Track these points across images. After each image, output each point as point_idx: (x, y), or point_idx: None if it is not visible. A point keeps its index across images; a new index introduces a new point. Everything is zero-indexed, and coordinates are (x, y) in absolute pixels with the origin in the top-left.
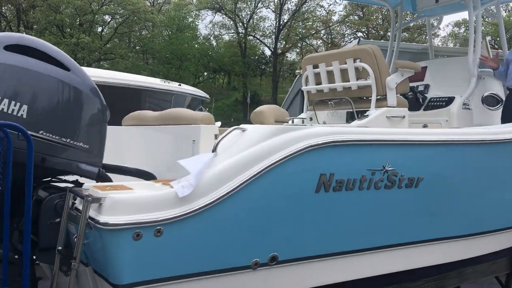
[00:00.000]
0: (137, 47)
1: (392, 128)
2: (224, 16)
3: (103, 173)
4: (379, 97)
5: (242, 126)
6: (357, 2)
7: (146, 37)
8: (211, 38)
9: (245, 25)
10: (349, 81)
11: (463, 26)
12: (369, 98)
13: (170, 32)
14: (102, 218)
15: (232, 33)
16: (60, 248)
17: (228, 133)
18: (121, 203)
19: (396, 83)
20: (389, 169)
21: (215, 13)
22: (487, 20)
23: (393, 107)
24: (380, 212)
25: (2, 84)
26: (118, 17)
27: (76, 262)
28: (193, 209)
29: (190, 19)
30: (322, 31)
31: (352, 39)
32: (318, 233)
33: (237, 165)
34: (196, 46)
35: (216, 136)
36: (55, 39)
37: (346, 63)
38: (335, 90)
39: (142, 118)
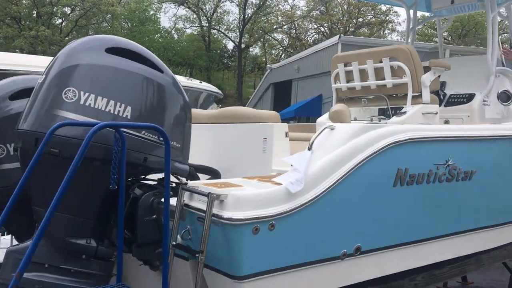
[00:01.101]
0: None
1: (452, 125)
2: (188, 9)
3: (193, 171)
4: (414, 94)
5: (331, 124)
6: (371, 2)
7: (106, 30)
8: (173, 31)
9: (209, 18)
10: (382, 79)
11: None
12: (403, 95)
13: (130, 25)
14: (226, 214)
15: (196, 26)
16: (174, 243)
17: (321, 132)
18: (242, 200)
19: (430, 81)
20: (450, 163)
21: (178, 6)
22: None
23: (427, 103)
24: (442, 203)
25: (107, 86)
26: (78, 9)
27: (203, 255)
28: (299, 205)
29: (152, 12)
30: (286, 26)
31: (314, 33)
32: (394, 224)
33: (333, 163)
34: (160, 39)
35: (286, 134)
36: (13, 31)
37: (381, 62)
38: (367, 87)
39: (195, 117)
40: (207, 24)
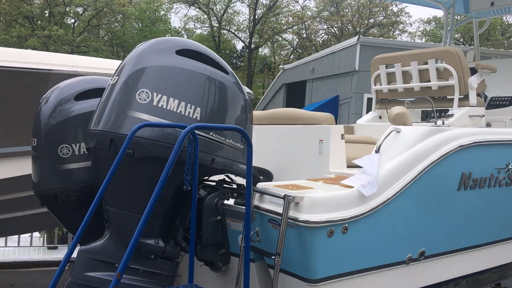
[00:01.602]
0: (105, 39)
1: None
2: (198, 10)
3: (255, 173)
4: (460, 96)
5: (397, 127)
6: (408, 3)
7: (117, 29)
8: (182, 31)
9: (219, 19)
10: (426, 81)
11: (434, 22)
12: (448, 98)
13: (140, 25)
14: (302, 216)
15: (207, 27)
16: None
17: (388, 134)
18: (318, 202)
19: (477, 83)
20: (510, 167)
21: (189, 6)
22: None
23: (474, 106)
24: (499, 208)
25: (178, 88)
26: (90, 9)
27: (279, 258)
28: (371, 208)
29: (162, 12)
30: (296, 27)
31: (323, 34)
32: (456, 228)
33: (403, 166)
34: None
35: (342, 136)
36: (26, 31)
37: (425, 64)
38: (410, 89)
39: None
40: (217, 25)
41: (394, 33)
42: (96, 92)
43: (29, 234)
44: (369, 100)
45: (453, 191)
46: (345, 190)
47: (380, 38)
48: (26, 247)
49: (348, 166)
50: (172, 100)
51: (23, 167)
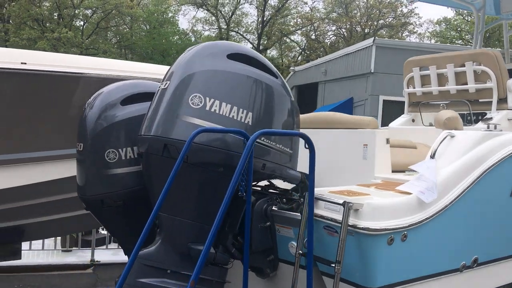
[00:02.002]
0: (113, 41)
1: None
2: (207, 11)
3: (304, 178)
4: (498, 99)
5: (450, 132)
6: (439, 5)
7: (125, 32)
8: (190, 33)
9: (227, 20)
10: (462, 84)
11: (444, 23)
12: (485, 101)
13: (148, 27)
14: (362, 224)
15: (215, 28)
16: (301, 252)
17: (443, 140)
18: (379, 209)
19: None
20: None
21: (197, 8)
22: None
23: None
24: None
25: (230, 92)
26: (99, 11)
27: (340, 266)
28: (430, 215)
29: (170, 14)
30: (305, 28)
31: (332, 35)
32: (507, 235)
33: (460, 172)
34: (179, 41)
35: (387, 140)
36: (36, 33)
37: (462, 66)
38: (445, 92)
39: None
40: (226, 26)
41: (403, 34)
42: (142, 97)
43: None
44: (385, 102)
45: (507, 197)
46: (404, 196)
47: (396, 40)
48: (45, 250)
49: (392, 171)
50: (225, 105)
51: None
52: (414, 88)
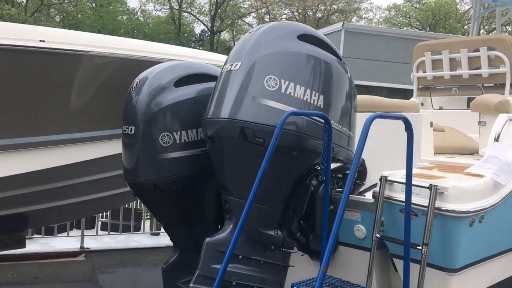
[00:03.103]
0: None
1: None
2: None
3: (363, 161)
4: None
5: (510, 115)
6: None
7: (71, 10)
8: (139, 13)
9: (179, 1)
10: (474, 69)
11: (393, 10)
12: (498, 85)
13: (95, 5)
14: (448, 206)
15: (167, 8)
16: (378, 235)
17: (504, 123)
18: (463, 192)
19: None
20: None
21: None
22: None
23: None
24: None
25: (303, 74)
26: None
27: (427, 248)
28: (503, 196)
29: None
30: (260, 11)
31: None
32: None
33: None
34: (128, 21)
35: (431, 124)
36: None
37: (475, 51)
38: (457, 77)
39: None
40: (178, 7)
41: (352, 20)
42: (195, 78)
43: None
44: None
45: None
46: (480, 179)
47: (365, 24)
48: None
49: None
50: (299, 87)
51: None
52: (425, 72)
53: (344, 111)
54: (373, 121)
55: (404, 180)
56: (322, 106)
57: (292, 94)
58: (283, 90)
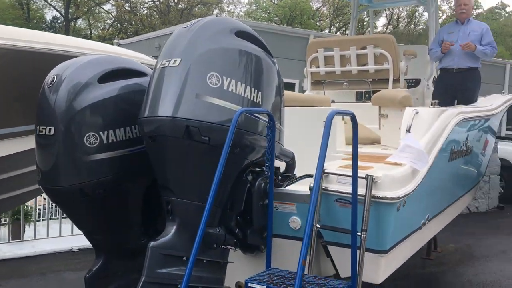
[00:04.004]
0: None
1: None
2: None
3: (293, 155)
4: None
5: (416, 109)
6: None
7: None
8: None
9: None
10: (362, 65)
11: (254, 4)
12: (382, 80)
13: None
14: (381, 193)
15: None
16: (318, 226)
17: (413, 116)
18: (394, 180)
19: (406, 67)
20: (467, 140)
21: None
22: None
23: (402, 88)
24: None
25: (244, 71)
26: None
27: (365, 234)
28: (417, 183)
29: None
30: None
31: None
32: (442, 194)
33: (430, 143)
34: None
35: (343, 117)
36: None
37: (363, 49)
38: (347, 72)
39: None
40: None
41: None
42: (120, 74)
43: None
44: None
45: (446, 162)
46: (404, 167)
47: (235, 18)
48: None
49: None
50: (240, 84)
51: None
52: (318, 67)
53: (277, 106)
54: (334, 117)
55: (341, 172)
56: (261, 103)
57: (234, 91)
58: (225, 87)
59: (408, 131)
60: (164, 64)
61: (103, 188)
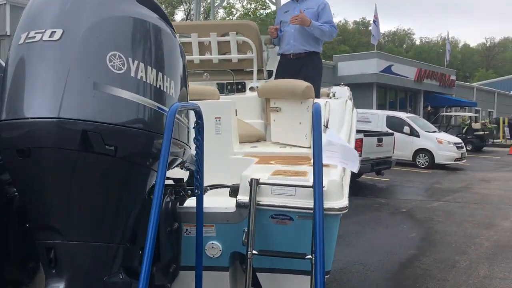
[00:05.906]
0: None
1: None
2: None
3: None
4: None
5: (328, 100)
6: None
7: None
8: None
9: None
10: (224, 54)
11: None
12: (246, 70)
13: None
14: (329, 204)
15: None
16: (256, 252)
17: (328, 110)
18: (337, 187)
19: (268, 57)
20: None
21: None
22: None
23: (265, 79)
24: None
25: (152, 52)
26: None
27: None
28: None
29: None
30: None
31: None
32: None
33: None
34: None
35: (236, 112)
36: None
37: (225, 35)
38: (207, 61)
39: None
40: None
41: None
42: None
43: None
44: None
45: None
46: (337, 169)
47: None
48: None
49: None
50: (150, 69)
51: None
52: None
53: (184, 99)
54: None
55: (279, 182)
56: (174, 95)
57: (144, 79)
58: (133, 74)
59: (326, 126)
60: (33, 37)
61: None
